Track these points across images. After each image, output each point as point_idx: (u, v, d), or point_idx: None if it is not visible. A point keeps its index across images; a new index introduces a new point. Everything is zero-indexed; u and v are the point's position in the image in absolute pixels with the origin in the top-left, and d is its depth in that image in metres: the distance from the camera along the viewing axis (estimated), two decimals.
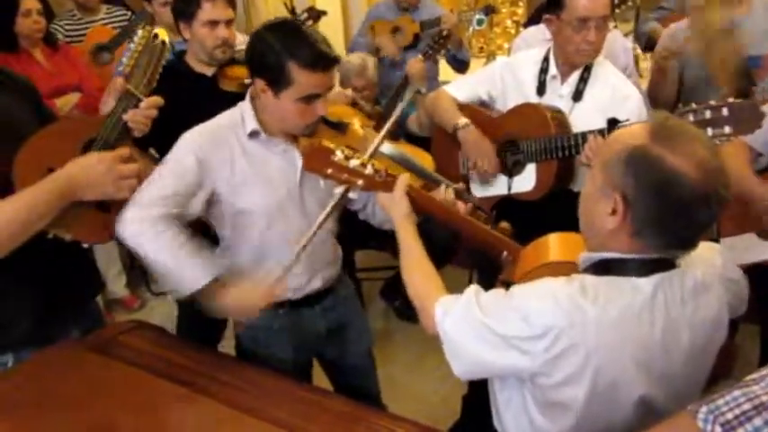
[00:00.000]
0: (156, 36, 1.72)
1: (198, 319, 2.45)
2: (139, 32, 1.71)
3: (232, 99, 1.79)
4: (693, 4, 2.48)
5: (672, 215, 1.06)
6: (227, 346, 2.09)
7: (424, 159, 2.05)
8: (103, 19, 3.55)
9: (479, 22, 2.43)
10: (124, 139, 1.67)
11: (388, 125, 1.65)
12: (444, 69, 3.67)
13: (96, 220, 1.64)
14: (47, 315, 1.70)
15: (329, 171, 1.49)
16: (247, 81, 1.77)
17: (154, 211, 1.59)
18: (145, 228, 1.58)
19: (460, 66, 3.61)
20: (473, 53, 4.34)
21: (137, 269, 3.75)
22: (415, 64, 3.03)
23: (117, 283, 3.61)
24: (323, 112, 1.65)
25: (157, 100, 1.70)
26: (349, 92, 2.86)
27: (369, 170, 1.48)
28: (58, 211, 1.53)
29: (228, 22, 2.22)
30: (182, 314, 2.57)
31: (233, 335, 1.96)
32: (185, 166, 1.64)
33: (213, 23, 2.19)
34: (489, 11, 3.50)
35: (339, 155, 1.48)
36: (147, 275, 3.72)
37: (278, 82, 1.59)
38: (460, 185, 1.64)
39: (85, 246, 1.70)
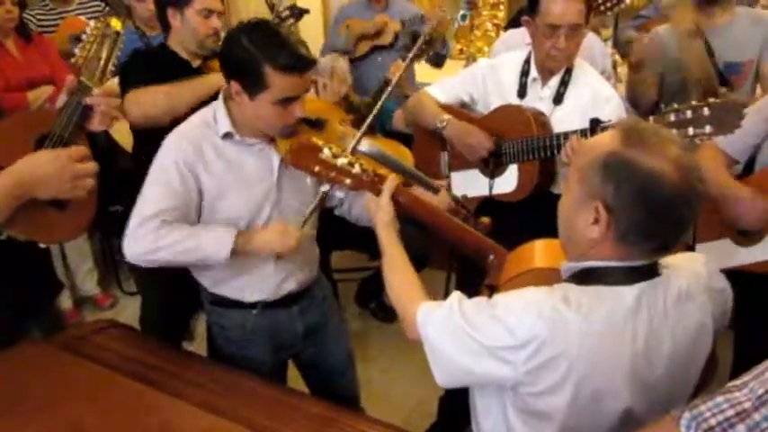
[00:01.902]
0: (108, 26, 1.67)
1: (161, 318, 2.41)
2: (92, 23, 1.66)
3: (215, 94, 1.76)
4: (665, 5, 2.50)
5: (656, 216, 1.06)
6: (199, 347, 2.06)
7: (403, 155, 2.03)
8: (77, 9, 3.47)
9: (463, 18, 2.39)
10: (78, 135, 1.61)
11: (367, 122, 1.64)
12: (420, 71, 3.65)
13: (52, 219, 1.58)
14: (1, 316, 1.64)
15: (316, 168, 1.47)
16: None
17: (152, 224, 1.57)
18: (150, 240, 1.57)
19: (439, 61, 3.58)
20: (453, 55, 4.34)
21: (109, 266, 3.68)
22: (395, 69, 3.00)
23: (88, 281, 3.52)
24: (301, 114, 1.63)
25: (113, 88, 1.65)
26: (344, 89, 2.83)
27: (356, 169, 1.45)
28: (11, 210, 1.47)
29: (219, 14, 2.23)
30: (145, 313, 2.53)
31: (204, 335, 1.93)
32: (170, 180, 1.61)
33: (208, 12, 2.18)
34: (472, 5, 3.47)
35: (327, 152, 1.45)
36: (119, 273, 3.66)
37: (253, 85, 1.56)
38: (440, 182, 1.61)
39: (42, 246, 1.64)
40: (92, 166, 1.53)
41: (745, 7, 2.61)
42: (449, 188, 1.64)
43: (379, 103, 1.74)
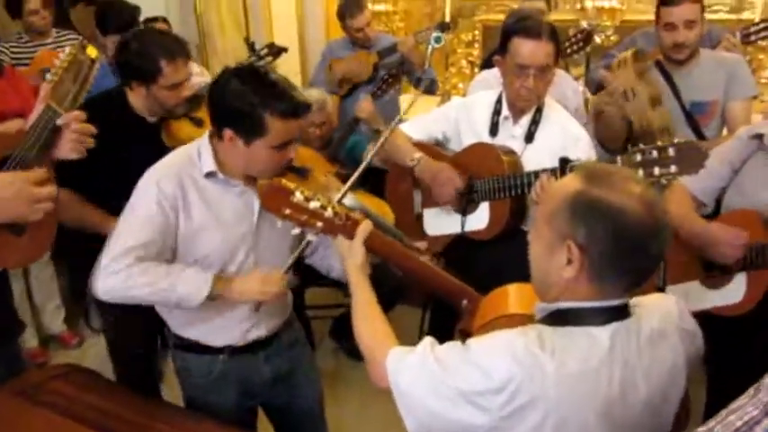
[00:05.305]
0: (83, 52, 1.62)
1: (131, 360, 2.30)
2: (67, 49, 1.62)
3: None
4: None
5: (627, 251, 1.06)
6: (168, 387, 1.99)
7: (383, 210, 2.02)
8: (53, 43, 3.45)
9: (437, 40, 2.40)
10: (42, 159, 1.56)
11: (356, 175, 1.65)
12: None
13: (8, 243, 1.54)
14: None
15: (287, 211, 1.44)
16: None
17: (125, 260, 1.51)
18: (123, 278, 1.50)
19: (431, 86, 3.60)
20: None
21: (76, 304, 3.59)
22: (364, 106, 3.01)
23: (54, 319, 3.42)
24: (292, 154, 1.63)
25: (80, 114, 1.60)
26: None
27: (329, 213, 1.43)
28: None
29: (188, 78, 2.10)
30: (114, 355, 2.40)
31: (172, 374, 1.86)
32: (150, 214, 1.55)
33: (176, 85, 2.06)
34: (445, 27, 3.53)
35: (298, 195, 1.43)
36: (88, 311, 3.56)
37: (250, 132, 1.54)
38: (421, 243, 1.61)
39: None
40: (50, 189, 1.48)
41: (708, 50, 2.69)
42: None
43: (367, 160, 1.75)
